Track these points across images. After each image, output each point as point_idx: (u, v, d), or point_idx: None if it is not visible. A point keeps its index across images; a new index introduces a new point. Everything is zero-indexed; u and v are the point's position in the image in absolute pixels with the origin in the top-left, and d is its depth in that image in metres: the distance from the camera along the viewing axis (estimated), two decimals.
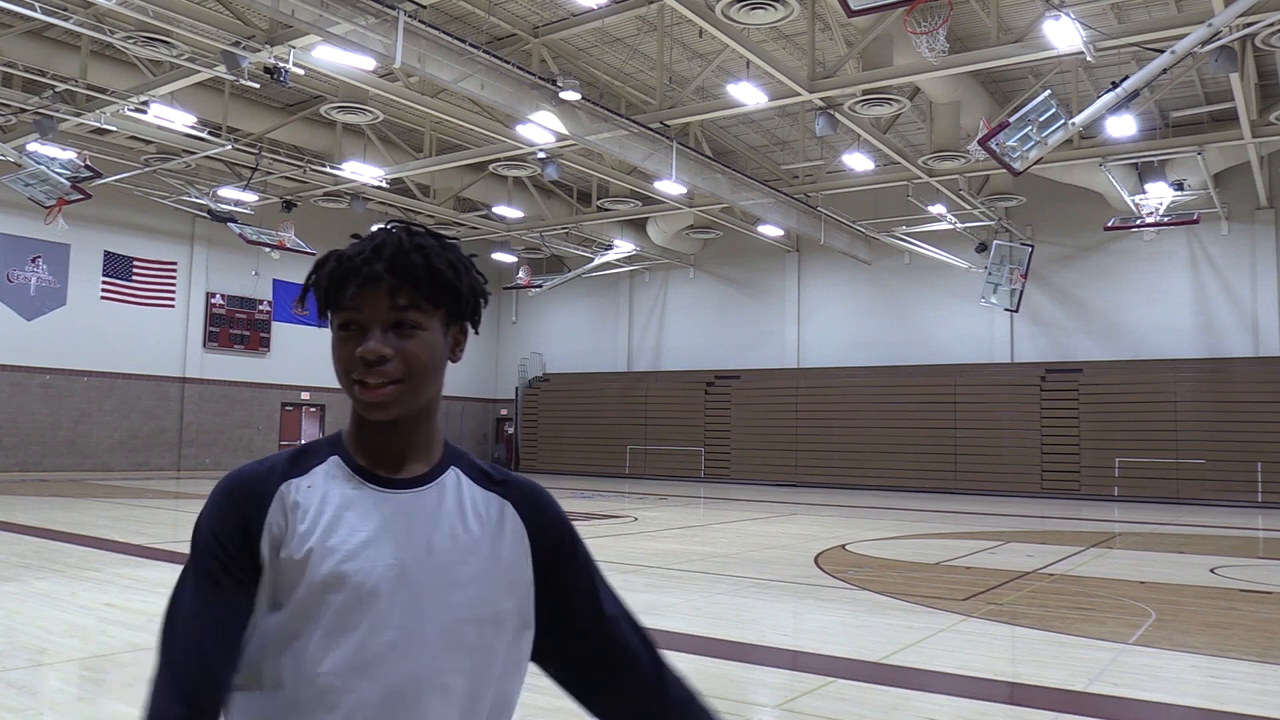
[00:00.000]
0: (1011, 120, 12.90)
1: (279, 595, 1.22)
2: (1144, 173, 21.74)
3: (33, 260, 23.83)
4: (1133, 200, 20.76)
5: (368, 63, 14.59)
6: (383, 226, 1.29)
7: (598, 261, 29.61)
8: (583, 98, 15.97)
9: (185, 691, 1.17)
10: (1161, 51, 12.35)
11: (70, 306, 24.50)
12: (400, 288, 1.23)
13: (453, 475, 1.32)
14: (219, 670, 1.20)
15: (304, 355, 29.39)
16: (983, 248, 24.04)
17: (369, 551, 1.22)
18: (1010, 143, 12.80)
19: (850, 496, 23.69)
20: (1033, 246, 22.99)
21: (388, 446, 1.29)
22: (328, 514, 1.24)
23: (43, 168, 18.44)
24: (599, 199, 25.09)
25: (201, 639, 1.20)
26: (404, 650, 1.20)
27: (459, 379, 33.01)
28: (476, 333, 1.35)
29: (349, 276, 1.23)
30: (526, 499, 1.35)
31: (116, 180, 21.52)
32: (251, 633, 1.23)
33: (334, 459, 1.29)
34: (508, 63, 15.03)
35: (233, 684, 1.22)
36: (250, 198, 22.10)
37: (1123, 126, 16.27)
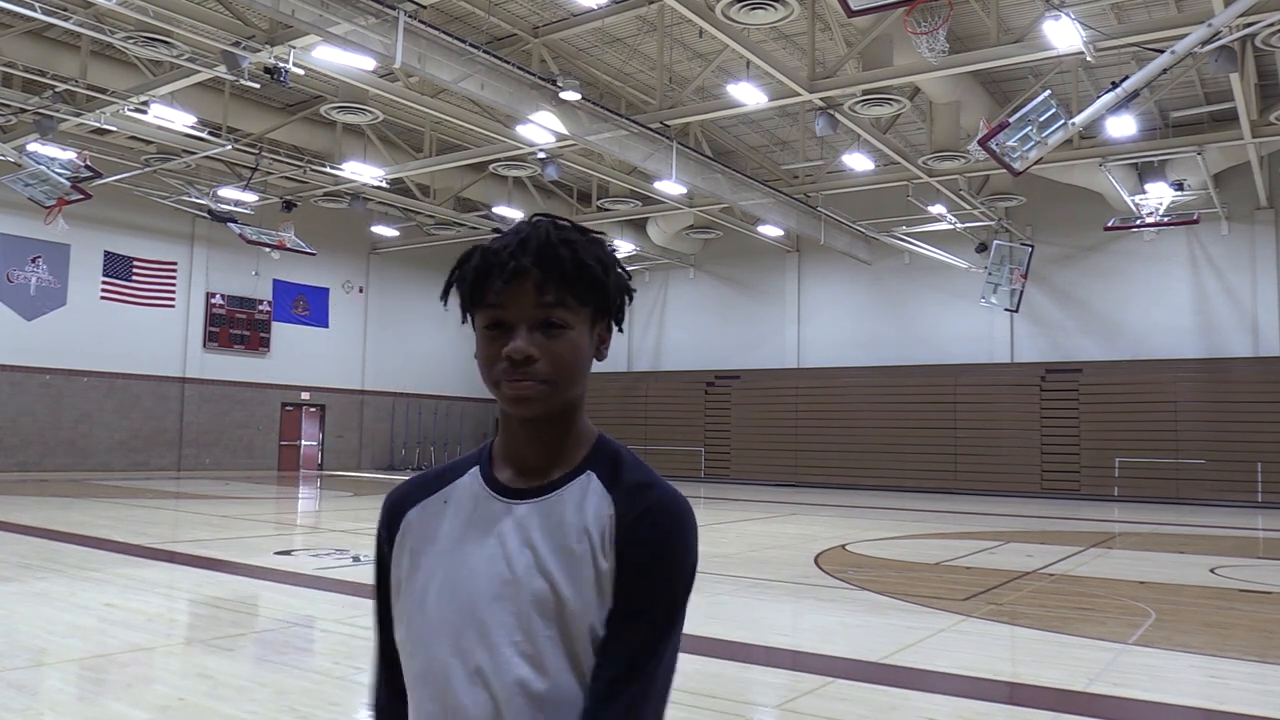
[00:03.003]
0: (1011, 120, 12.88)
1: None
2: (1144, 173, 21.73)
3: (33, 260, 23.82)
4: (1133, 200, 20.74)
5: (368, 63, 14.58)
6: (527, 220, 1.23)
7: None
8: (583, 98, 15.96)
9: None
10: (1161, 51, 12.33)
11: (70, 306, 24.48)
12: (547, 283, 1.17)
13: (581, 481, 1.23)
14: None
15: (304, 355, 29.39)
16: (983, 248, 24.04)
17: (439, 572, 1.23)
18: (1010, 143, 12.78)
19: (850, 496, 23.68)
20: (1033, 246, 23.00)
21: (529, 449, 1.24)
22: (430, 536, 1.27)
23: (43, 168, 18.42)
24: (599, 199, 25.09)
25: None
26: (443, 672, 1.20)
27: (459, 378, 33.03)
28: (621, 331, 1.28)
29: (494, 271, 1.17)
30: (634, 511, 1.20)
31: (116, 180, 21.51)
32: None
33: (474, 471, 1.29)
34: (508, 63, 15.02)
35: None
36: (250, 198, 22.09)
37: (1123, 126, 16.27)
